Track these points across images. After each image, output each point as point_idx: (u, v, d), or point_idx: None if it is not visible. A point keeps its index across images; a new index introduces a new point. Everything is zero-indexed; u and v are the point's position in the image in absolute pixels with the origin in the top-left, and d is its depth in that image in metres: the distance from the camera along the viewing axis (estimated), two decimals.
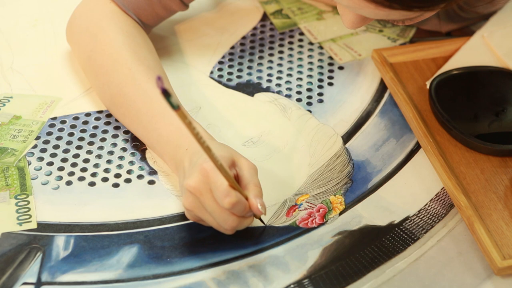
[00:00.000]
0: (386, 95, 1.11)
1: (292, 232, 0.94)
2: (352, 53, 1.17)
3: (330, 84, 1.13)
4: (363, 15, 0.89)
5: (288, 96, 1.10)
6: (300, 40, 1.19)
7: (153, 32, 1.15)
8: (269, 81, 1.13)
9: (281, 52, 1.17)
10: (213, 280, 0.88)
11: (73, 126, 1.04)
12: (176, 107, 0.76)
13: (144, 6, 1.05)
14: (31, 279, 0.88)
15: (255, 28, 1.21)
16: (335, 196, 0.98)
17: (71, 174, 0.98)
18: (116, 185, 0.98)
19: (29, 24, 1.19)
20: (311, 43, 1.19)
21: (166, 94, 0.75)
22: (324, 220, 0.95)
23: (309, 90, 1.12)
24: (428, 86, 1.08)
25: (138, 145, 1.02)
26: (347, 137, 1.05)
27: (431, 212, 0.97)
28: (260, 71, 1.14)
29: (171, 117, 0.94)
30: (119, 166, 1.00)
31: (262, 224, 0.94)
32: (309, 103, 1.10)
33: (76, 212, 0.94)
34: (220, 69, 1.14)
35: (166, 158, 0.96)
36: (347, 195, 0.98)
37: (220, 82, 1.12)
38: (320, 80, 1.13)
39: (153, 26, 1.10)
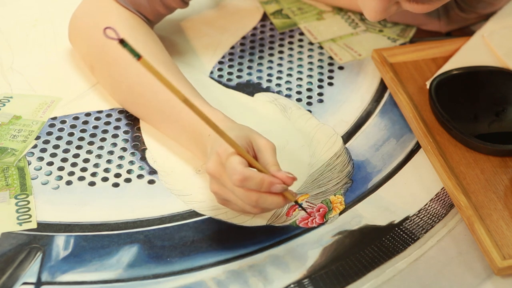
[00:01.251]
0: (386, 95, 1.11)
1: (292, 232, 0.93)
2: (352, 53, 1.17)
3: (330, 84, 1.13)
4: None
5: (288, 96, 1.10)
6: (300, 40, 1.19)
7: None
8: (269, 81, 1.13)
9: (281, 52, 1.17)
10: (213, 280, 0.88)
11: (73, 126, 1.04)
12: (138, 56, 0.74)
13: (144, 3, 1.05)
14: (31, 279, 0.88)
15: (255, 28, 1.21)
16: (335, 196, 0.98)
17: (71, 174, 0.98)
18: (116, 185, 0.98)
19: (29, 24, 1.19)
20: (311, 43, 1.19)
21: (124, 43, 0.73)
22: (324, 220, 0.95)
23: (309, 90, 1.12)
24: (428, 86, 1.08)
25: (138, 145, 1.02)
26: (347, 137, 1.05)
27: (431, 212, 0.96)
28: (260, 71, 1.14)
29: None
30: (119, 166, 1.00)
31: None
32: (309, 103, 1.10)
33: (76, 212, 0.94)
34: (220, 69, 1.14)
35: (193, 147, 0.96)
36: (347, 195, 0.98)
37: (220, 82, 1.12)
38: (320, 80, 1.13)
39: (155, 23, 1.10)
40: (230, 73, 1.13)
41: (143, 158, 1.01)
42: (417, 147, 1.04)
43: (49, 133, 1.03)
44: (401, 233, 0.94)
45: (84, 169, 0.99)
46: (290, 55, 1.17)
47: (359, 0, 0.91)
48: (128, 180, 0.98)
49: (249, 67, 1.14)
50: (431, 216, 0.96)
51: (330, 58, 1.17)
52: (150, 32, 1.05)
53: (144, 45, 1.01)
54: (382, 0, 0.88)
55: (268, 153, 0.88)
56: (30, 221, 0.93)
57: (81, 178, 0.98)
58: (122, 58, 1.00)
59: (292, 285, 0.88)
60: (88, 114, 1.06)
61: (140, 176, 0.99)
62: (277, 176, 0.86)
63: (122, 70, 1.01)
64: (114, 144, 1.02)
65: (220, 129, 0.84)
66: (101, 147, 1.02)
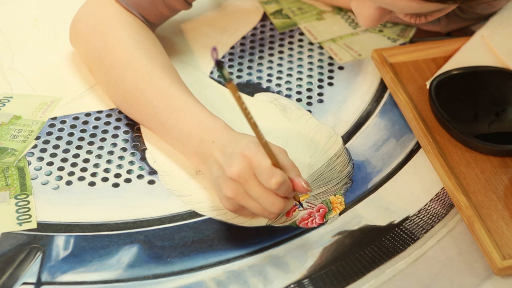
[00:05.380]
0: (386, 95, 1.11)
1: (292, 232, 0.93)
2: (352, 53, 1.17)
3: (330, 84, 1.13)
4: (390, 8, 0.86)
5: (288, 96, 1.10)
6: (300, 40, 1.19)
7: None
8: (269, 81, 1.13)
9: (281, 52, 1.17)
10: (213, 280, 0.88)
11: (73, 126, 1.04)
12: (228, 79, 0.76)
13: (147, 6, 1.05)
14: (31, 279, 0.88)
15: (255, 28, 1.21)
16: (335, 196, 0.98)
17: (71, 174, 0.98)
18: (116, 185, 0.98)
19: (29, 24, 1.19)
20: (311, 43, 1.19)
21: (220, 65, 0.75)
22: (324, 220, 0.95)
23: (309, 90, 1.12)
24: (428, 86, 1.08)
25: (138, 145, 1.02)
26: (347, 137, 1.05)
27: (431, 212, 0.97)
28: (260, 71, 1.14)
29: (191, 112, 0.95)
30: (119, 166, 1.00)
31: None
32: (309, 103, 1.10)
33: (76, 212, 0.94)
34: None
35: (189, 153, 0.96)
36: (347, 195, 0.98)
37: (220, 82, 1.12)
38: (320, 80, 1.13)
39: (158, 25, 1.10)
40: (230, 73, 1.13)
41: (143, 158, 1.01)
42: (417, 147, 1.04)
43: (49, 133, 1.03)
44: (401, 233, 0.94)
45: (84, 169, 0.99)
46: (290, 55, 1.17)
47: (353, 6, 0.89)
48: (128, 180, 0.98)
49: (249, 67, 1.14)
50: (431, 216, 0.96)
51: (330, 58, 1.17)
52: (151, 35, 1.05)
53: (143, 48, 1.01)
54: (378, 9, 0.88)
55: (283, 156, 0.89)
56: (30, 221, 0.93)
57: (81, 178, 0.98)
58: (119, 62, 1.00)
59: (292, 285, 0.88)
60: (88, 114, 1.06)
61: (140, 176, 0.99)
62: (295, 183, 0.87)
63: (118, 74, 1.01)
64: (114, 144, 1.02)
65: (256, 125, 0.83)
66: (101, 147, 1.02)
